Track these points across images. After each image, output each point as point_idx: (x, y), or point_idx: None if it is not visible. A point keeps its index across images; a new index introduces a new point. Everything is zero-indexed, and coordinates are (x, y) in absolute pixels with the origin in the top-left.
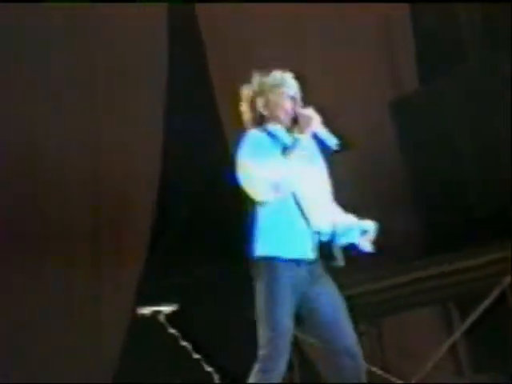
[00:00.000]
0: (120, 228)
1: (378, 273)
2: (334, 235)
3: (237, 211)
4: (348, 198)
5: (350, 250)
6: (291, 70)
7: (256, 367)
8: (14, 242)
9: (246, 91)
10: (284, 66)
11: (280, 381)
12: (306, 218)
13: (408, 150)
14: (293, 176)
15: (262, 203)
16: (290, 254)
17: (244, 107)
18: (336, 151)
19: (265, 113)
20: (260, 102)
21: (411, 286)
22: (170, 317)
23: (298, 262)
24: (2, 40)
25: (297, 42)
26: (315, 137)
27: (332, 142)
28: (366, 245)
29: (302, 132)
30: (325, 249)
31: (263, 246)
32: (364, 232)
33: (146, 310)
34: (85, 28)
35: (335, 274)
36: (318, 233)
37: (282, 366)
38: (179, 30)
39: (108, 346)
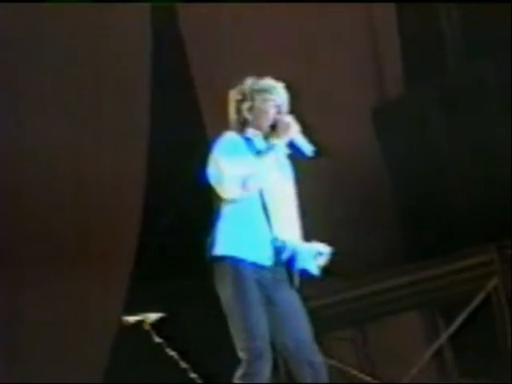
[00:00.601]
0: (107, 236)
1: (363, 278)
2: (294, 253)
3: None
4: (329, 206)
5: (300, 274)
6: (271, 74)
7: (239, 372)
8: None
9: (235, 92)
10: (264, 69)
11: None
12: (269, 223)
13: (390, 155)
14: (262, 175)
15: (228, 200)
16: (249, 257)
17: (230, 108)
18: (311, 158)
19: (248, 117)
20: (245, 106)
21: (396, 291)
22: (155, 325)
23: (258, 266)
24: (2, 40)
25: (279, 45)
26: (291, 144)
27: (307, 148)
28: (314, 267)
29: (278, 138)
30: (284, 267)
31: (223, 245)
32: (318, 254)
33: (131, 319)
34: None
35: (320, 280)
36: (280, 242)
37: (265, 369)
38: (162, 31)
39: (95, 354)
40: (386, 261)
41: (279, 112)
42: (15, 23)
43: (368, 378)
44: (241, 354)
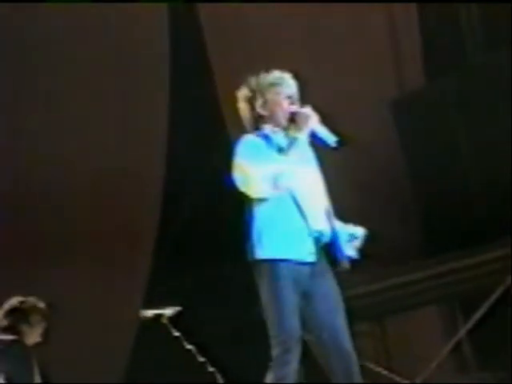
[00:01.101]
0: (127, 230)
1: (382, 273)
2: (335, 237)
3: (239, 212)
4: (348, 198)
5: (335, 254)
6: (293, 69)
7: (271, 366)
8: (21, 243)
9: (244, 91)
10: (285, 64)
11: (295, 375)
12: (304, 218)
13: (408, 148)
14: (290, 172)
15: (260, 201)
16: (290, 256)
17: (242, 107)
18: (335, 148)
19: (263, 113)
20: (258, 102)
21: (414, 286)
22: (173, 319)
23: (299, 263)
24: (2, 40)
25: (299, 40)
26: (313, 135)
27: (331, 139)
28: (351, 250)
29: (299, 131)
30: (327, 251)
31: (262, 248)
32: (352, 238)
33: (149, 313)
34: (85, 28)
35: (338, 273)
36: (318, 233)
37: (295, 362)
38: (181, 30)
39: (117, 349)
40: (405, 255)
41: (292, 103)
42: (15, 23)
43: (386, 373)
44: (272, 350)
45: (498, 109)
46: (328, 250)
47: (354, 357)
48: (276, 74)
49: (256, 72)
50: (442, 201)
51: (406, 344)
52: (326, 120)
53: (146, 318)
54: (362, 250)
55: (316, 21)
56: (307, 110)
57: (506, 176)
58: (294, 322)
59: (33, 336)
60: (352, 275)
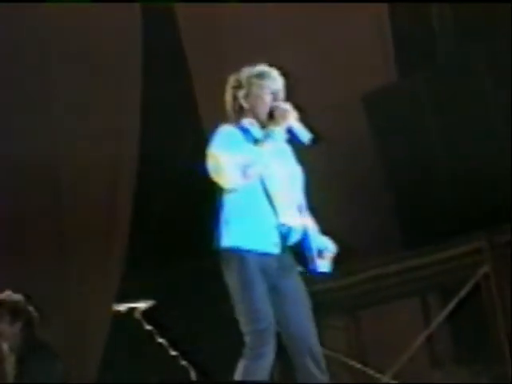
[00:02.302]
0: (100, 225)
1: (354, 266)
2: (305, 236)
3: (211, 207)
4: (323, 192)
5: (305, 268)
6: (268, 66)
7: (243, 356)
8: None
9: (232, 79)
10: (260, 60)
11: (270, 367)
12: (273, 210)
13: (382, 144)
14: (261, 162)
15: (230, 190)
16: (255, 246)
17: (227, 96)
18: (309, 145)
19: (245, 104)
20: (241, 93)
21: (388, 279)
22: (146, 313)
23: (264, 255)
24: (2, 40)
25: (274, 37)
26: (289, 131)
27: (305, 136)
28: (324, 264)
29: (276, 125)
30: (290, 253)
31: (229, 236)
32: (322, 250)
33: (122, 307)
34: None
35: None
36: (286, 227)
37: (270, 353)
38: (155, 29)
39: (89, 343)
40: (378, 249)
41: (275, 99)
42: (15, 23)
43: (359, 366)
44: (246, 339)
45: (470, 105)
46: (297, 247)
47: (319, 351)
48: (263, 68)
49: (231, 68)
50: (415, 194)
51: (380, 337)
52: (302, 117)
53: (119, 312)
54: (337, 243)
55: (290, 19)
56: (286, 106)
57: (479, 170)
58: (268, 309)
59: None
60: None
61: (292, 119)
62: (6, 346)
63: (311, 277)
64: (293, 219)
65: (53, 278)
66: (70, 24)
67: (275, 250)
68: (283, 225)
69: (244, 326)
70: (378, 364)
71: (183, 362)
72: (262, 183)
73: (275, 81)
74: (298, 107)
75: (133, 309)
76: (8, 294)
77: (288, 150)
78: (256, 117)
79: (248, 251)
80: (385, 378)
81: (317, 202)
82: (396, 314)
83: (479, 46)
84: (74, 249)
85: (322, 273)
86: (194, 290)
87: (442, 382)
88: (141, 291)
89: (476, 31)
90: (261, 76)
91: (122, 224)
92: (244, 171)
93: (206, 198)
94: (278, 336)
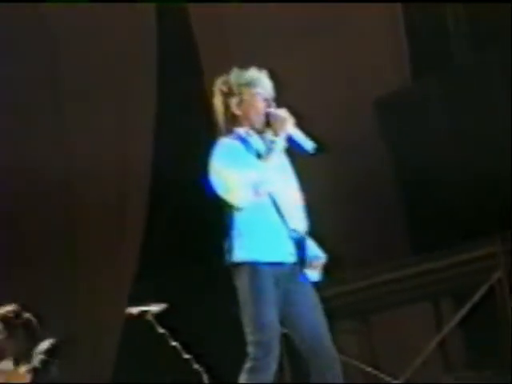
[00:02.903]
0: (113, 228)
1: (367, 270)
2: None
3: (224, 209)
4: (335, 197)
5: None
6: (278, 69)
7: (246, 366)
8: (11, 241)
9: (221, 84)
10: (272, 63)
11: (272, 380)
12: (284, 221)
13: (393, 148)
14: (270, 178)
15: (240, 208)
16: (269, 258)
17: (217, 104)
18: (312, 154)
19: (238, 112)
20: (233, 101)
21: (400, 283)
22: (158, 316)
23: (277, 265)
24: (2, 40)
25: (287, 40)
26: (290, 139)
27: (308, 145)
28: (313, 274)
29: (275, 134)
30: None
31: (242, 250)
32: (311, 259)
33: (134, 310)
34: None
35: (324, 271)
36: (295, 232)
37: (273, 365)
38: (170, 30)
39: (102, 347)
40: (391, 253)
41: (268, 105)
42: (15, 23)
43: (372, 370)
44: (249, 349)
45: (484, 109)
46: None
47: (334, 354)
48: (254, 74)
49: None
50: (427, 199)
51: (392, 342)
52: (310, 120)
53: (131, 315)
54: (349, 248)
55: (302, 21)
56: (283, 113)
57: (491, 174)
58: (275, 322)
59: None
60: (337, 273)
61: (290, 127)
62: (10, 364)
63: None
64: (301, 225)
65: (65, 279)
66: (82, 24)
67: (291, 258)
68: (294, 230)
69: (249, 336)
70: (391, 368)
71: (196, 366)
72: (269, 196)
73: (266, 87)
74: (296, 114)
75: (145, 312)
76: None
77: (285, 159)
78: (251, 125)
79: (262, 263)
80: (397, 383)
81: (328, 207)
82: (409, 318)
83: (493, 50)
84: (86, 250)
85: (312, 283)
86: (207, 293)
87: None
88: (153, 293)
89: (490, 35)
90: (252, 84)
91: (135, 226)
92: (255, 189)
93: (219, 199)
94: (290, 340)
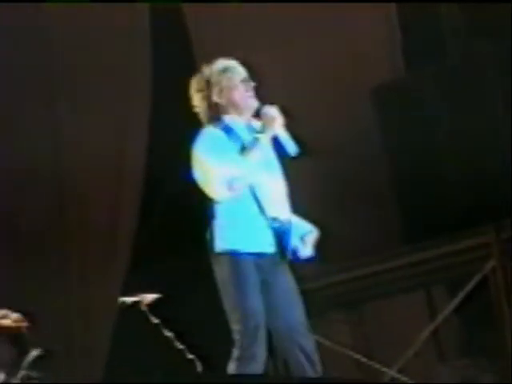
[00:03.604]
0: (106, 218)
1: (359, 260)
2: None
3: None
4: (324, 186)
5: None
6: (278, 64)
7: (233, 355)
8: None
9: (197, 81)
10: (269, 59)
11: (262, 368)
12: (263, 212)
13: (387, 138)
14: (249, 175)
15: (218, 201)
16: (249, 248)
17: (196, 98)
18: (294, 158)
19: (220, 101)
20: (214, 90)
21: (393, 273)
22: (152, 306)
23: (258, 255)
24: (2, 40)
25: (283, 35)
26: (275, 140)
27: (291, 147)
28: (306, 249)
29: (262, 130)
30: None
31: (223, 240)
32: (303, 235)
33: (128, 300)
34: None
35: (316, 260)
36: (278, 222)
37: (261, 353)
38: (164, 30)
39: (95, 336)
40: (383, 242)
41: (247, 89)
42: (15, 23)
43: (364, 360)
44: (235, 335)
45: (478, 99)
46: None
47: (309, 344)
48: (225, 61)
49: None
50: (421, 189)
51: (385, 332)
52: (306, 111)
53: (124, 304)
54: (341, 238)
55: (299, 14)
56: (273, 112)
57: (486, 164)
58: (259, 306)
59: None
60: (330, 262)
61: (278, 127)
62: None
63: (314, 272)
64: (283, 213)
65: (56, 271)
66: (77, 23)
67: (271, 249)
68: (274, 219)
69: (233, 324)
70: (384, 358)
71: (190, 356)
72: (250, 189)
73: (240, 71)
74: (286, 113)
75: (138, 302)
76: None
77: (273, 157)
78: (238, 110)
79: (242, 253)
80: (390, 372)
81: (319, 197)
82: (402, 308)
83: (488, 41)
84: (78, 241)
85: (306, 259)
86: (200, 283)
87: (447, 375)
88: (147, 283)
89: (484, 24)
90: (227, 70)
91: (128, 216)
92: (231, 184)
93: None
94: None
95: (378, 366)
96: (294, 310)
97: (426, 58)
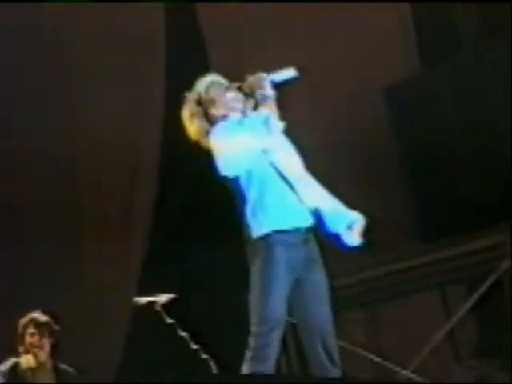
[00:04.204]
0: (121, 216)
1: (374, 260)
2: (319, 216)
3: (230, 200)
4: (341, 185)
5: (335, 241)
6: (291, 62)
7: (246, 357)
8: (15, 228)
9: (188, 111)
10: (283, 59)
11: (273, 369)
12: (293, 190)
13: (402, 135)
14: (271, 149)
15: (236, 177)
16: (287, 225)
17: (193, 128)
18: (297, 79)
19: (217, 112)
20: (209, 106)
21: (408, 273)
22: (167, 306)
23: (294, 233)
24: (2, 40)
25: (296, 33)
26: (274, 83)
27: (289, 74)
28: (354, 238)
29: (262, 102)
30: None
31: (256, 225)
32: (351, 224)
33: (143, 299)
34: (86, 28)
35: (332, 260)
36: (310, 205)
37: (271, 356)
38: (178, 30)
39: (110, 337)
40: (399, 242)
41: (235, 93)
42: (15, 23)
43: (378, 360)
44: (249, 339)
45: (493, 96)
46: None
47: (333, 344)
48: (203, 80)
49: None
50: (436, 188)
51: (400, 332)
52: (321, 107)
53: (139, 305)
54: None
55: (314, 11)
56: (253, 78)
57: (501, 163)
58: (281, 313)
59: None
60: (345, 262)
61: (266, 78)
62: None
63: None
64: (312, 198)
65: (71, 267)
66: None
67: (307, 222)
68: (307, 203)
69: (252, 325)
70: (399, 358)
71: (204, 356)
72: (275, 169)
73: (221, 81)
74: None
75: (153, 302)
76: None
77: (287, 142)
78: (235, 111)
79: (279, 232)
80: (405, 372)
81: (336, 195)
82: (417, 307)
83: (502, 36)
84: (94, 239)
85: (353, 247)
86: (215, 283)
87: (462, 375)
88: (161, 284)
89: (499, 22)
90: (212, 86)
91: (144, 214)
92: (246, 161)
93: (225, 189)
94: (294, 328)
95: (392, 366)
96: (323, 309)
97: (439, 57)
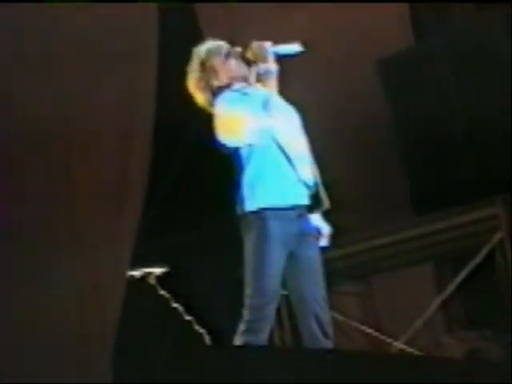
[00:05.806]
0: (114, 189)
1: (368, 232)
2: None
3: (229, 171)
4: (334, 158)
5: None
6: (281, 33)
7: (240, 329)
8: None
9: (194, 78)
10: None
11: (266, 340)
12: (292, 166)
13: (396, 108)
14: (270, 123)
15: (246, 150)
16: (283, 202)
17: (198, 96)
18: (301, 53)
19: (219, 83)
20: (211, 76)
21: (401, 245)
22: (161, 279)
23: (290, 210)
24: (2, 40)
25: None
26: (278, 55)
27: (293, 49)
28: (323, 241)
29: (264, 78)
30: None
31: (253, 199)
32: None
33: (137, 272)
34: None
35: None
36: (304, 182)
37: (265, 328)
38: (173, 29)
39: (104, 309)
40: (391, 214)
41: (236, 59)
42: (15, 23)
43: (373, 332)
44: (243, 311)
45: (488, 68)
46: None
47: (325, 317)
48: (203, 45)
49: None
50: (430, 159)
51: (394, 304)
52: (314, 79)
53: (133, 277)
54: (349, 211)
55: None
56: (256, 47)
57: (496, 134)
58: (276, 286)
59: None
60: (338, 235)
61: (269, 48)
62: None
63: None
64: (309, 174)
65: (65, 241)
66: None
67: (304, 200)
68: (304, 179)
69: (245, 298)
70: (391, 330)
71: (198, 328)
72: (276, 144)
73: (223, 46)
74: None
75: (148, 274)
76: None
77: (290, 108)
78: (238, 80)
79: (274, 209)
80: (398, 344)
81: (330, 170)
82: (410, 280)
83: (496, 9)
84: (86, 211)
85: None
86: (209, 255)
87: (454, 347)
88: (155, 256)
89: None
90: (212, 53)
91: (136, 187)
92: (260, 133)
93: (222, 160)
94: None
95: (385, 337)
96: (316, 282)
97: (434, 26)
